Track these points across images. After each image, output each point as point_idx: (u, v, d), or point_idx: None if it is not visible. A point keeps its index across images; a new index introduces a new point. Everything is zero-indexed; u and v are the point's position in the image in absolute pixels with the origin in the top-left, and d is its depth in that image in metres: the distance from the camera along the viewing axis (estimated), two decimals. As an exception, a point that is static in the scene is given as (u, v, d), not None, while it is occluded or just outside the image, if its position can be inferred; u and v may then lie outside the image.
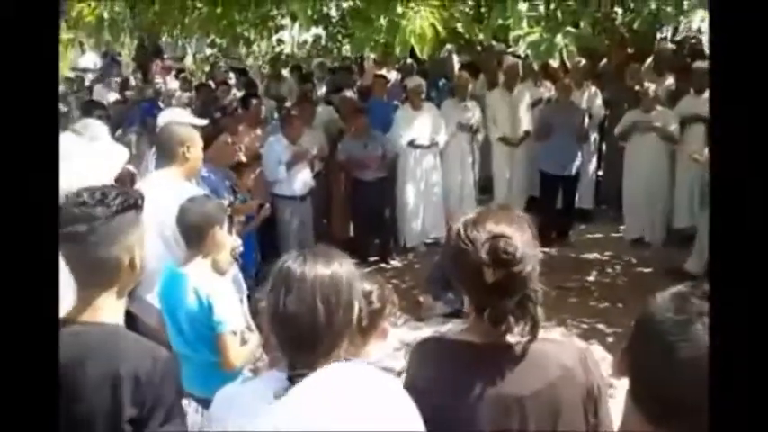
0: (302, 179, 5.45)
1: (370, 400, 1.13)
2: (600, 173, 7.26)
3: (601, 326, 4.48)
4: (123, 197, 1.39)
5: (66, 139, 3.24)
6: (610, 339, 4.15)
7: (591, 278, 5.54)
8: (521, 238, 1.26)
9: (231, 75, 9.52)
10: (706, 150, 4.57)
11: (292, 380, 1.17)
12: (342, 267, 1.24)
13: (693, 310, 0.87)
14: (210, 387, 2.20)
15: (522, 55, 5.01)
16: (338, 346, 1.21)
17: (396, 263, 6.07)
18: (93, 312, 1.40)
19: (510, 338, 1.28)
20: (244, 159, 5.25)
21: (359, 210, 6.07)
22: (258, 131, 5.96)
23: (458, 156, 6.56)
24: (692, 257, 5.03)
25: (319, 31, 8.28)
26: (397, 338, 3.38)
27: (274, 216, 5.21)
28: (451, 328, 1.44)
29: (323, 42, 9.14)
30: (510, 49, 6.38)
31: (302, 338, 1.18)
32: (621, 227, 6.42)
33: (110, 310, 1.42)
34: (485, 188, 6.93)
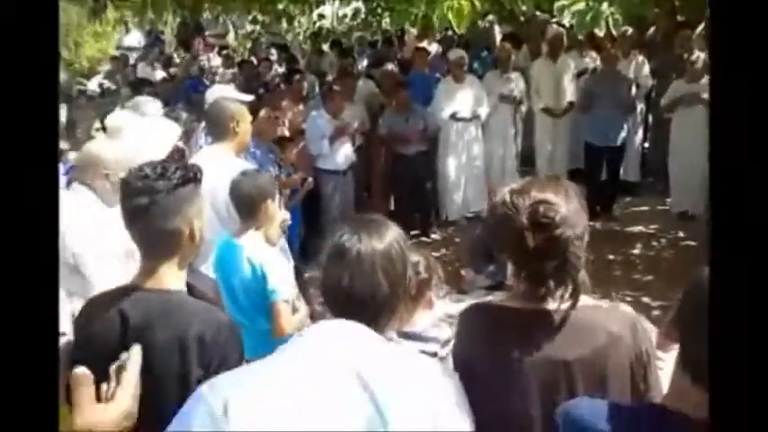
0: (344, 153, 5.51)
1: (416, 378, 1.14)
2: (646, 145, 7.10)
3: (645, 299, 4.45)
4: (183, 171, 1.47)
5: (121, 117, 3.37)
6: (655, 312, 4.11)
7: (636, 251, 5.47)
8: (565, 206, 1.29)
9: (273, 51, 9.59)
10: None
11: None
12: (395, 239, 1.27)
13: None
14: (264, 354, 2.31)
15: (567, 24, 4.91)
16: (394, 316, 1.25)
17: (436, 236, 6.10)
18: (157, 280, 1.49)
19: (551, 304, 1.31)
20: (287, 134, 5.34)
21: (400, 183, 6.10)
22: (301, 107, 6.03)
23: (500, 128, 6.51)
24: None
25: (359, 4, 8.25)
26: (441, 310, 3.43)
27: (317, 190, 5.28)
28: (495, 297, 1.47)
29: (362, 16, 9.11)
30: (554, 19, 6.25)
31: (362, 312, 1.20)
32: (668, 200, 6.30)
33: (173, 278, 1.50)
34: (527, 160, 6.87)
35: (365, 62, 8.31)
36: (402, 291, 1.25)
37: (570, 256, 1.28)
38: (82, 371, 1.08)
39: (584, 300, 1.33)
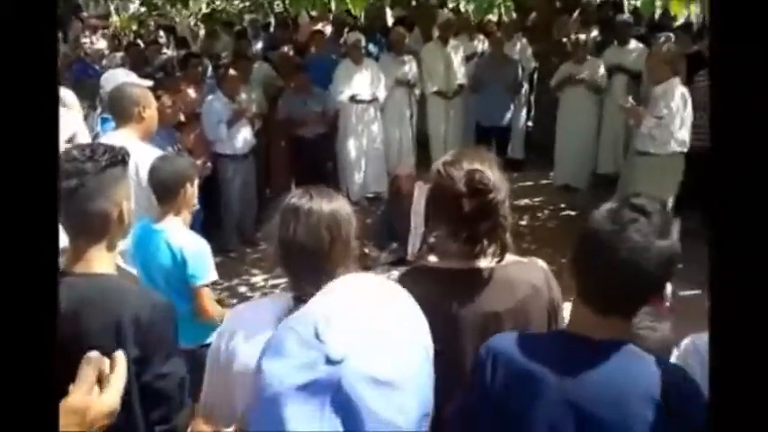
0: (243, 137, 5.46)
1: (384, 301, 1.23)
2: (530, 124, 7.57)
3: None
4: (111, 153, 1.48)
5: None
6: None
7: (523, 222, 5.88)
8: (492, 173, 1.47)
9: (161, 33, 9.24)
10: (630, 98, 4.91)
11: (297, 300, 1.33)
12: (342, 206, 1.42)
13: (625, 220, 1.13)
14: (189, 338, 2.34)
15: (463, 10, 5.16)
16: (336, 273, 1.37)
17: (339, 217, 6.21)
18: (86, 264, 1.49)
19: (483, 263, 1.49)
20: (183, 119, 5.24)
21: (300, 166, 6.13)
22: (196, 91, 5.90)
23: (396, 110, 6.70)
24: (614, 199, 5.41)
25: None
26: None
27: (216, 175, 5.23)
28: (429, 261, 1.61)
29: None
30: (451, 4, 6.48)
31: (309, 264, 1.34)
32: (551, 174, 6.78)
33: (102, 261, 1.51)
34: (422, 142, 7.13)
35: (259, 45, 8.22)
36: (343, 251, 1.38)
37: (500, 218, 1.47)
38: (96, 354, 1.11)
39: (507, 257, 1.51)
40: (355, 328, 0.90)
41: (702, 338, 1.66)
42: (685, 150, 4.44)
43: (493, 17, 4.50)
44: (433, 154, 7.05)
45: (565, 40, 6.59)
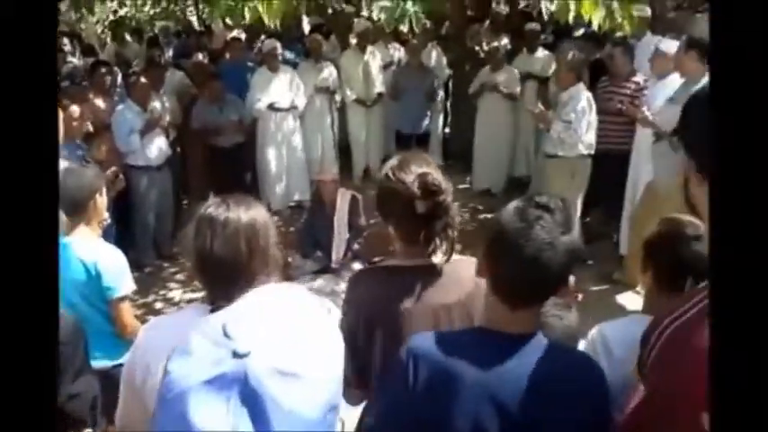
0: (157, 147, 5.29)
1: (297, 314, 1.25)
2: (447, 130, 7.75)
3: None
4: None
5: None
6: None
7: (445, 226, 5.99)
8: (439, 175, 1.53)
9: (65, 40, 8.82)
10: (539, 104, 5.12)
11: (215, 311, 1.30)
12: (261, 215, 1.39)
13: (531, 217, 1.19)
14: (108, 355, 2.24)
15: (375, 19, 5.23)
16: (253, 284, 1.34)
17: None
18: None
19: (434, 259, 1.55)
20: (92, 130, 5.01)
21: (218, 177, 5.98)
22: (105, 101, 5.67)
23: (316, 118, 6.69)
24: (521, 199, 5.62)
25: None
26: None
27: (129, 188, 5.04)
28: (378, 262, 1.66)
29: (164, 4, 8.74)
30: (363, 13, 6.55)
31: (227, 276, 1.31)
32: (468, 178, 6.95)
33: None
34: (344, 149, 7.15)
35: (171, 53, 7.99)
36: (262, 262, 1.36)
37: (449, 218, 1.53)
38: None
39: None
40: (263, 324, 0.91)
41: (608, 328, 1.78)
42: (592, 153, 4.66)
43: (404, 27, 4.58)
44: (355, 161, 7.10)
45: (477, 48, 6.79)
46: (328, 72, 6.68)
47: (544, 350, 1.22)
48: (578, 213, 4.71)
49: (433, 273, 1.56)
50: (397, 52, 7.36)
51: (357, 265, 4.47)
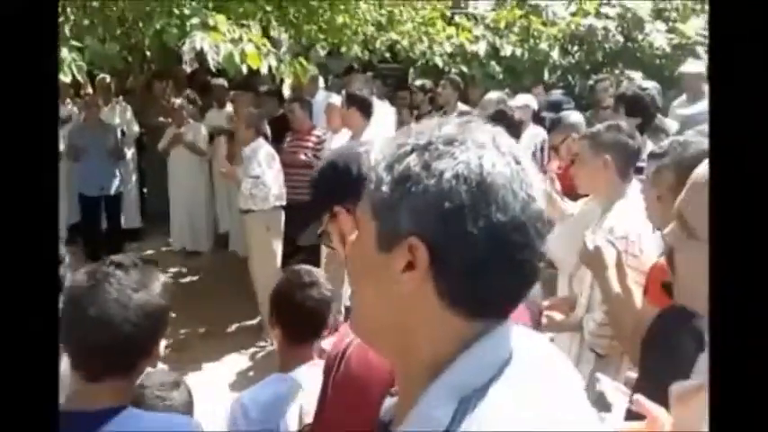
0: None
1: None
2: (144, 189, 7.27)
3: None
4: None
5: None
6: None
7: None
8: None
9: None
10: (226, 161, 5.08)
11: None
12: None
13: (100, 276, 1.14)
14: None
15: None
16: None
17: None
18: None
19: None
20: None
21: None
22: None
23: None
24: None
25: None
26: None
27: None
28: None
29: None
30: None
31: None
32: (170, 239, 6.58)
33: None
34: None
35: None
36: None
37: None
38: None
39: None
40: None
41: (246, 396, 1.81)
42: (284, 203, 4.75)
43: (65, 79, 4.00)
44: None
45: (165, 103, 6.55)
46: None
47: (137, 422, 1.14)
48: (279, 263, 4.72)
49: None
50: (74, 107, 6.71)
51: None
